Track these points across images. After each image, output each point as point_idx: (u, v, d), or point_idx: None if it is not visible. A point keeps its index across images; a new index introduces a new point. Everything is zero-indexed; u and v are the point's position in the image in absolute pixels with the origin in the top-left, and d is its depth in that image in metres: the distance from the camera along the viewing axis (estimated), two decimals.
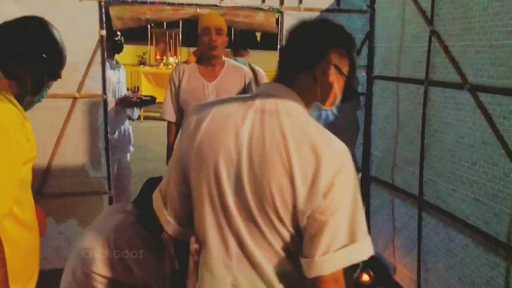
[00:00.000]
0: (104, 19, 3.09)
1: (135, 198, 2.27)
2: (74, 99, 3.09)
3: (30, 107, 1.61)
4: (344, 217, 1.15)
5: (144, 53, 11.70)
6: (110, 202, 3.26)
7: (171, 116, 3.13)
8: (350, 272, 3.14)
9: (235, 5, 3.22)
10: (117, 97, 3.87)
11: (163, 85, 8.03)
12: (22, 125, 1.43)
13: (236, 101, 1.29)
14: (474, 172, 2.47)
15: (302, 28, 1.30)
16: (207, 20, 2.96)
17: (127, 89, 5.02)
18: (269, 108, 1.22)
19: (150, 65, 11.31)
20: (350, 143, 3.63)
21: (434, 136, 2.82)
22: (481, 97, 2.40)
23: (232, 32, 8.04)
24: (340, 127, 3.55)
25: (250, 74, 3.15)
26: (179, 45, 11.39)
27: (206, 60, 3.03)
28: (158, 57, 11.40)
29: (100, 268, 1.97)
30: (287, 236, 1.20)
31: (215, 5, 3.20)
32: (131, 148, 4.13)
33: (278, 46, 3.22)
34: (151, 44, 11.52)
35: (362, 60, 3.53)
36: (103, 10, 3.06)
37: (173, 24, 10.35)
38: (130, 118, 4.17)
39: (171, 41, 11.33)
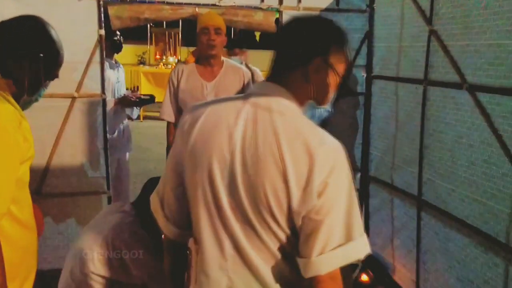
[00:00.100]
0: (103, 19, 3.09)
1: (136, 198, 2.26)
2: (73, 98, 3.09)
3: (27, 107, 1.61)
4: (339, 216, 1.14)
5: (143, 53, 11.69)
6: (109, 202, 3.26)
7: (170, 116, 3.12)
8: (349, 271, 3.14)
9: (234, 4, 3.22)
10: (116, 97, 3.87)
11: (163, 85, 8.02)
12: (19, 124, 1.43)
13: (229, 102, 1.28)
14: (473, 172, 2.47)
15: (294, 26, 1.28)
16: (206, 19, 2.96)
17: (127, 89, 5.01)
18: (262, 107, 1.21)
19: (149, 65, 11.31)
20: (349, 143, 3.62)
21: (433, 136, 2.81)
22: (480, 96, 2.40)
23: (232, 32, 8.03)
24: (339, 127, 3.55)
25: (249, 74, 3.15)
26: (178, 45, 11.38)
27: (205, 60, 3.03)
28: (157, 56, 11.40)
29: (98, 268, 1.97)
30: (282, 236, 1.19)
31: (214, 5, 3.19)
32: (131, 148, 4.13)
33: None
34: (151, 43, 11.52)
35: (361, 59, 3.53)
36: (102, 9, 3.06)
37: (172, 24, 10.35)
38: (130, 118, 4.17)
39: (171, 40, 11.33)
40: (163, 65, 10.83)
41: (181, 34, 11.25)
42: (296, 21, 1.29)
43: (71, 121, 3.10)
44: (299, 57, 1.23)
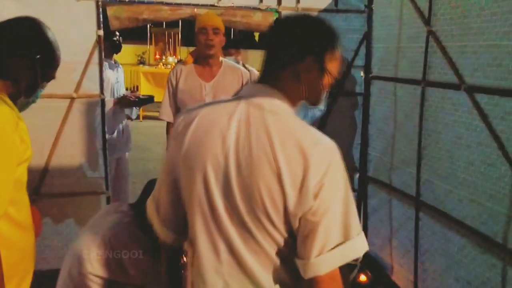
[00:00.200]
0: (101, 19, 3.09)
1: (137, 199, 2.26)
2: (72, 99, 3.09)
3: (25, 108, 1.61)
4: (336, 215, 1.14)
5: (143, 53, 11.71)
6: (108, 202, 3.26)
7: (169, 116, 3.13)
8: (346, 271, 3.14)
9: (232, 5, 3.22)
10: (115, 97, 3.87)
11: (162, 84, 8.02)
12: (16, 125, 1.43)
13: (221, 104, 1.27)
14: (471, 173, 2.47)
15: (284, 25, 1.27)
16: (204, 19, 2.97)
17: (126, 89, 5.01)
18: (254, 110, 1.20)
19: (149, 65, 11.32)
20: (347, 143, 3.63)
21: (431, 137, 2.82)
22: (478, 97, 2.41)
23: (232, 32, 8.03)
24: (337, 127, 3.56)
25: (247, 74, 3.15)
26: (178, 45, 11.39)
27: (203, 60, 3.03)
28: (157, 56, 11.41)
29: (96, 269, 1.97)
30: (279, 239, 1.19)
31: (213, 5, 3.20)
32: (130, 148, 4.13)
33: None
34: (151, 43, 11.53)
35: (360, 60, 3.53)
36: (101, 10, 3.06)
37: (172, 24, 10.35)
38: (129, 118, 4.17)
39: (170, 40, 11.33)
40: (163, 65, 10.84)
41: (181, 34, 11.26)
42: (286, 21, 1.28)
43: (70, 121, 3.10)
44: (291, 56, 1.22)
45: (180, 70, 3.08)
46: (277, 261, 1.21)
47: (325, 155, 1.14)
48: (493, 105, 2.32)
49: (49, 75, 1.62)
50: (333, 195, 1.14)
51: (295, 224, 1.16)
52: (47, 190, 3.12)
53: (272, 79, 1.25)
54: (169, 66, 10.53)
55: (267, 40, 1.29)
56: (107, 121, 3.37)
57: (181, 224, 1.34)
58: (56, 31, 2.93)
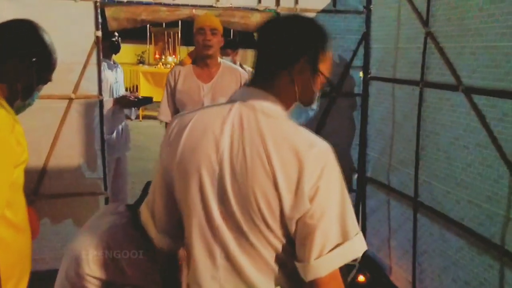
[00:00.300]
0: (99, 20, 3.09)
1: (136, 200, 2.26)
2: (70, 100, 3.09)
3: (21, 111, 1.61)
4: (333, 217, 1.14)
5: (143, 52, 11.71)
6: (106, 202, 3.27)
7: (167, 117, 3.13)
8: (345, 272, 3.15)
9: (230, 5, 3.23)
10: (115, 97, 3.87)
11: (162, 84, 7.98)
12: (12, 128, 1.43)
13: (214, 109, 1.26)
14: (468, 174, 2.48)
15: (275, 26, 1.26)
16: (202, 20, 2.97)
17: (126, 89, 5.01)
18: (248, 113, 1.19)
19: (149, 64, 11.32)
20: (346, 144, 3.63)
21: (429, 138, 2.82)
22: (476, 99, 2.41)
23: (231, 33, 8.04)
24: (336, 128, 3.56)
25: (246, 75, 3.15)
26: (178, 44, 11.39)
27: (202, 61, 3.03)
28: (157, 56, 11.41)
29: (93, 270, 1.97)
30: (276, 243, 1.18)
31: (211, 6, 3.20)
32: (129, 147, 4.12)
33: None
34: (150, 43, 11.53)
35: (358, 60, 3.53)
36: (99, 10, 3.06)
37: (172, 23, 10.33)
38: (128, 118, 4.16)
39: (170, 40, 11.33)
40: (162, 64, 10.83)
41: (181, 33, 11.25)
42: (277, 22, 1.27)
43: (68, 122, 3.11)
44: (284, 58, 1.21)
45: (179, 71, 3.08)
46: (273, 265, 1.20)
47: (320, 157, 1.14)
48: (491, 107, 2.32)
49: (45, 78, 1.61)
50: (329, 197, 1.14)
51: (292, 228, 1.15)
52: (45, 190, 3.12)
53: (265, 81, 1.24)
54: (168, 66, 10.53)
55: (258, 41, 1.27)
56: (106, 121, 3.37)
57: (177, 230, 1.33)
58: (55, 32, 2.93)
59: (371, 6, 3.43)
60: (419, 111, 2.87)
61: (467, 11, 2.45)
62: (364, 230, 3.63)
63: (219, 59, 3.12)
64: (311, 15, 3.36)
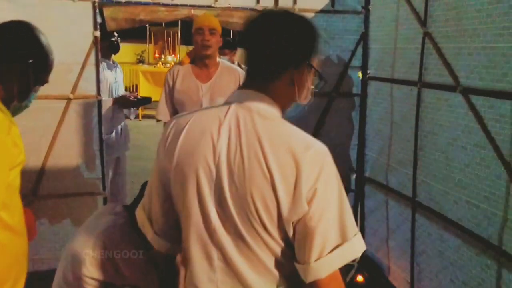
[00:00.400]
0: (98, 20, 3.09)
1: (133, 201, 2.26)
2: (68, 100, 3.09)
3: (18, 112, 1.61)
4: (332, 218, 1.14)
5: (142, 51, 11.70)
6: (105, 202, 3.27)
7: (166, 117, 3.13)
8: (343, 272, 3.15)
9: (229, 6, 3.22)
10: (114, 97, 3.87)
11: (161, 84, 7.98)
12: (8, 129, 1.43)
13: (211, 112, 1.25)
14: (466, 175, 2.48)
15: (270, 26, 1.22)
16: (201, 20, 2.97)
17: (125, 89, 5.00)
18: (244, 116, 1.19)
19: (148, 64, 11.31)
20: (345, 144, 3.63)
21: (427, 138, 2.82)
22: (474, 99, 2.41)
23: (231, 33, 8.04)
24: (335, 128, 3.56)
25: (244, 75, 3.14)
26: (177, 44, 11.38)
27: (200, 60, 3.03)
28: (156, 55, 11.41)
29: (91, 271, 1.97)
30: (274, 246, 1.18)
31: (210, 6, 3.20)
32: (128, 147, 4.13)
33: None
34: (150, 42, 11.52)
35: (356, 61, 3.53)
36: (97, 11, 3.06)
37: (171, 23, 10.31)
38: (127, 118, 4.16)
39: (169, 39, 11.33)
40: (162, 64, 10.83)
41: (180, 33, 11.25)
42: (271, 20, 1.23)
43: (67, 122, 3.11)
44: (285, 60, 1.20)
45: (177, 70, 3.08)
46: (271, 267, 1.20)
47: (317, 159, 1.14)
48: (488, 107, 2.32)
49: (42, 79, 1.61)
50: (327, 199, 1.14)
51: (290, 230, 1.16)
52: (44, 191, 3.13)
53: (263, 83, 1.22)
54: (168, 65, 10.51)
55: (252, 40, 1.24)
56: (105, 121, 3.38)
57: (174, 232, 1.33)
58: (53, 32, 2.93)
59: (370, 6, 3.43)
60: (417, 112, 2.87)
61: (465, 11, 2.45)
62: (362, 230, 3.64)
63: (218, 59, 3.12)
64: (310, 15, 3.37)
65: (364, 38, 3.48)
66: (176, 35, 11.31)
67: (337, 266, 1.15)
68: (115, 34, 3.81)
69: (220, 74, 3.05)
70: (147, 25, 11.06)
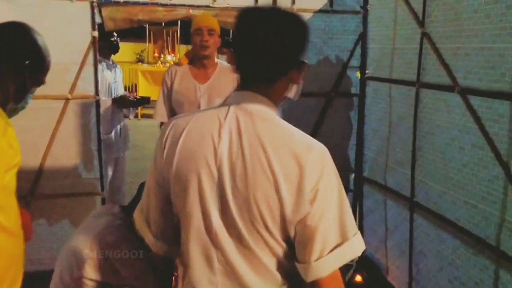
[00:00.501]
0: (96, 20, 3.09)
1: (130, 201, 2.26)
2: (66, 100, 3.09)
3: (14, 114, 1.61)
4: (333, 218, 1.15)
5: (142, 51, 11.69)
6: (103, 203, 3.27)
7: (163, 117, 3.13)
8: (342, 272, 3.15)
9: (227, 6, 3.22)
10: (113, 97, 3.86)
11: (160, 83, 8.03)
12: (4, 131, 1.42)
13: (210, 114, 1.24)
14: (464, 175, 2.48)
15: (267, 25, 1.19)
16: (199, 20, 2.96)
17: (125, 88, 4.99)
18: (244, 119, 1.19)
19: (148, 63, 11.30)
20: (343, 143, 3.63)
21: (425, 138, 2.82)
22: (471, 100, 2.40)
23: (230, 33, 8.03)
24: (333, 128, 3.56)
25: None
26: (177, 43, 11.38)
27: (199, 61, 3.03)
28: (156, 54, 11.40)
29: (88, 272, 1.98)
30: (276, 247, 1.18)
31: (208, 6, 3.20)
32: (128, 147, 4.12)
33: None
34: (149, 41, 11.52)
35: (355, 61, 3.53)
36: (95, 11, 3.06)
37: (171, 22, 10.31)
38: (127, 117, 4.16)
39: (169, 38, 11.33)
40: (161, 63, 10.82)
41: (180, 32, 11.24)
42: (266, 19, 1.21)
43: (65, 122, 3.11)
44: (288, 60, 1.21)
45: (175, 71, 3.08)
46: (272, 269, 1.20)
47: (318, 160, 1.15)
48: (486, 108, 2.32)
49: (39, 80, 1.61)
50: (328, 199, 1.15)
51: (292, 231, 1.16)
52: (42, 191, 3.13)
53: (262, 84, 1.23)
54: (167, 65, 10.51)
55: (248, 40, 1.21)
56: (104, 120, 3.38)
57: (173, 235, 1.31)
58: (51, 32, 2.94)
59: (368, 6, 3.43)
60: (415, 112, 2.87)
61: (462, 12, 2.45)
62: (361, 230, 3.64)
63: (216, 60, 3.12)
64: (308, 15, 3.37)
65: (362, 38, 3.47)
66: (175, 34, 11.31)
67: (337, 265, 1.16)
68: (115, 34, 3.80)
69: (218, 74, 3.04)
70: (147, 25, 11.06)
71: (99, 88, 3.23)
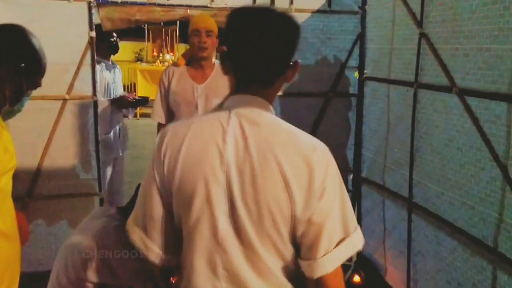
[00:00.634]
0: (95, 21, 3.08)
1: (127, 203, 2.26)
2: (64, 100, 3.08)
3: (10, 117, 1.60)
4: (337, 214, 1.17)
5: (141, 50, 11.67)
6: (101, 203, 3.26)
7: (160, 117, 3.13)
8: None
9: (225, 6, 3.22)
10: (112, 97, 3.85)
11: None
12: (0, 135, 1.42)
13: (211, 120, 1.22)
14: (462, 176, 2.48)
15: (263, 25, 1.19)
16: (197, 21, 2.95)
17: (124, 88, 4.98)
18: (247, 122, 1.18)
19: (147, 62, 11.28)
20: (342, 144, 3.62)
21: (423, 139, 2.82)
22: (469, 100, 2.40)
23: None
24: (332, 128, 3.56)
25: None
26: (176, 42, 11.36)
27: (196, 62, 3.02)
28: (155, 53, 11.39)
29: (84, 273, 1.97)
30: (282, 249, 1.19)
31: (206, 6, 3.19)
32: (127, 147, 4.11)
33: None
34: (148, 40, 11.50)
35: (353, 61, 3.52)
36: (93, 11, 3.05)
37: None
38: (126, 116, 4.15)
39: (168, 37, 11.31)
40: (160, 62, 10.81)
41: (178, 31, 11.22)
42: (261, 19, 1.20)
43: (62, 123, 3.10)
44: (286, 61, 1.22)
45: (173, 71, 3.07)
46: (278, 273, 1.21)
47: (323, 158, 1.17)
48: (484, 109, 2.32)
49: (35, 82, 1.60)
50: (333, 195, 1.17)
51: (299, 230, 1.17)
52: (40, 192, 3.12)
53: (261, 87, 1.22)
54: (166, 64, 10.49)
55: (244, 42, 1.20)
56: (102, 120, 3.37)
57: (174, 244, 1.28)
58: (48, 33, 2.93)
59: (366, 6, 3.42)
60: (413, 112, 2.87)
61: (460, 13, 2.45)
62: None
63: (214, 60, 3.11)
64: (307, 15, 3.36)
65: (360, 38, 3.47)
66: (174, 33, 11.29)
67: (341, 260, 1.18)
68: (115, 34, 3.79)
69: (215, 75, 3.04)
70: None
71: (98, 89, 3.22)
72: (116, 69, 3.98)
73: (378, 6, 3.32)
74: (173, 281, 1.39)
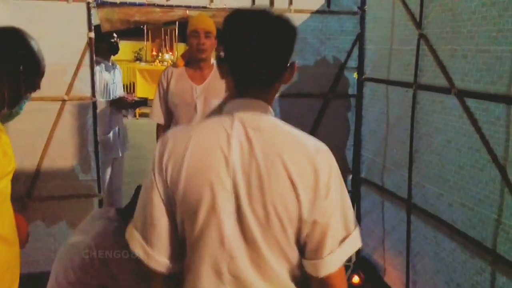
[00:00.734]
0: (93, 21, 3.07)
1: (126, 204, 2.25)
2: (63, 101, 3.08)
3: (9, 120, 1.60)
4: (339, 213, 1.19)
5: (140, 49, 11.68)
6: (100, 205, 3.26)
7: (159, 118, 3.14)
8: None
9: (224, 6, 3.21)
10: (112, 98, 3.85)
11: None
12: None
13: (213, 126, 1.22)
14: (461, 177, 2.48)
15: (262, 27, 1.19)
16: (196, 22, 2.95)
17: (123, 87, 4.97)
18: (251, 127, 1.18)
19: (146, 61, 11.29)
20: (341, 144, 3.62)
21: (422, 140, 2.82)
22: (468, 102, 2.40)
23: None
24: (331, 129, 3.55)
25: None
26: (175, 41, 11.36)
27: (195, 63, 3.03)
28: (154, 53, 11.39)
29: (83, 275, 1.97)
30: (288, 252, 1.19)
31: (205, 7, 3.19)
32: (127, 147, 4.11)
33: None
34: (147, 40, 11.50)
35: (352, 61, 3.52)
36: (92, 12, 3.04)
37: None
38: (125, 116, 4.15)
39: (167, 37, 11.31)
40: (159, 62, 10.81)
41: (178, 30, 11.21)
42: (259, 20, 1.20)
43: (62, 124, 3.09)
44: (285, 63, 1.23)
45: (171, 72, 3.08)
46: (283, 277, 1.21)
47: (326, 159, 1.19)
48: (483, 110, 2.31)
49: (33, 85, 1.60)
50: (336, 195, 1.18)
51: (305, 231, 1.18)
52: (39, 193, 3.11)
53: (261, 90, 1.23)
54: (165, 63, 10.50)
55: (243, 45, 1.19)
56: (101, 121, 3.36)
57: (178, 251, 1.26)
58: (47, 33, 2.93)
59: (365, 7, 3.42)
60: (412, 113, 2.87)
61: (459, 14, 2.44)
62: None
63: (212, 60, 3.11)
64: (306, 15, 3.36)
65: (360, 39, 3.46)
66: (173, 32, 11.29)
67: (344, 258, 1.20)
68: (115, 35, 3.78)
69: (214, 76, 3.04)
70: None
71: (97, 89, 3.22)
72: (116, 70, 3.98)
73: (377, 7, 3.31)
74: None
